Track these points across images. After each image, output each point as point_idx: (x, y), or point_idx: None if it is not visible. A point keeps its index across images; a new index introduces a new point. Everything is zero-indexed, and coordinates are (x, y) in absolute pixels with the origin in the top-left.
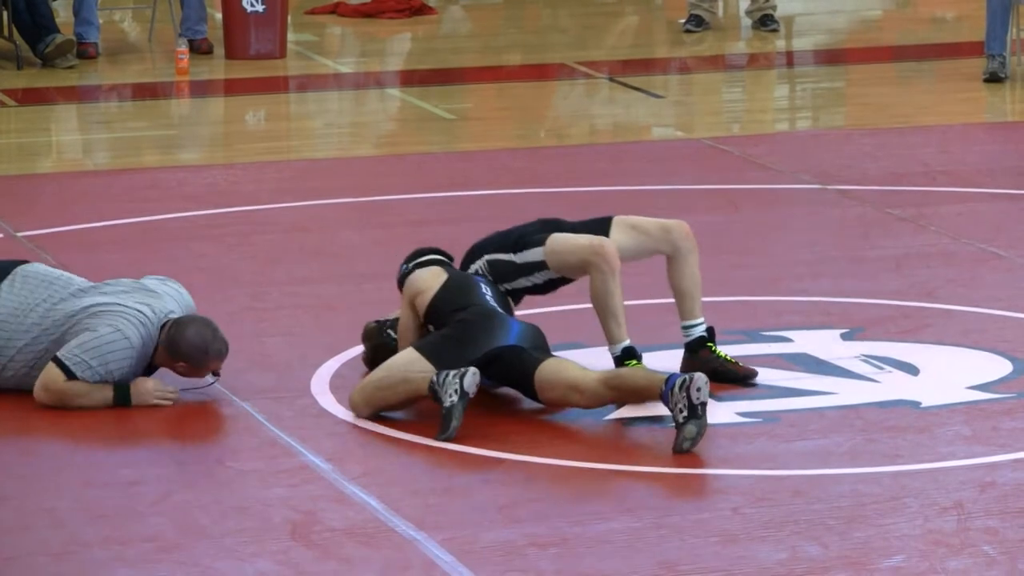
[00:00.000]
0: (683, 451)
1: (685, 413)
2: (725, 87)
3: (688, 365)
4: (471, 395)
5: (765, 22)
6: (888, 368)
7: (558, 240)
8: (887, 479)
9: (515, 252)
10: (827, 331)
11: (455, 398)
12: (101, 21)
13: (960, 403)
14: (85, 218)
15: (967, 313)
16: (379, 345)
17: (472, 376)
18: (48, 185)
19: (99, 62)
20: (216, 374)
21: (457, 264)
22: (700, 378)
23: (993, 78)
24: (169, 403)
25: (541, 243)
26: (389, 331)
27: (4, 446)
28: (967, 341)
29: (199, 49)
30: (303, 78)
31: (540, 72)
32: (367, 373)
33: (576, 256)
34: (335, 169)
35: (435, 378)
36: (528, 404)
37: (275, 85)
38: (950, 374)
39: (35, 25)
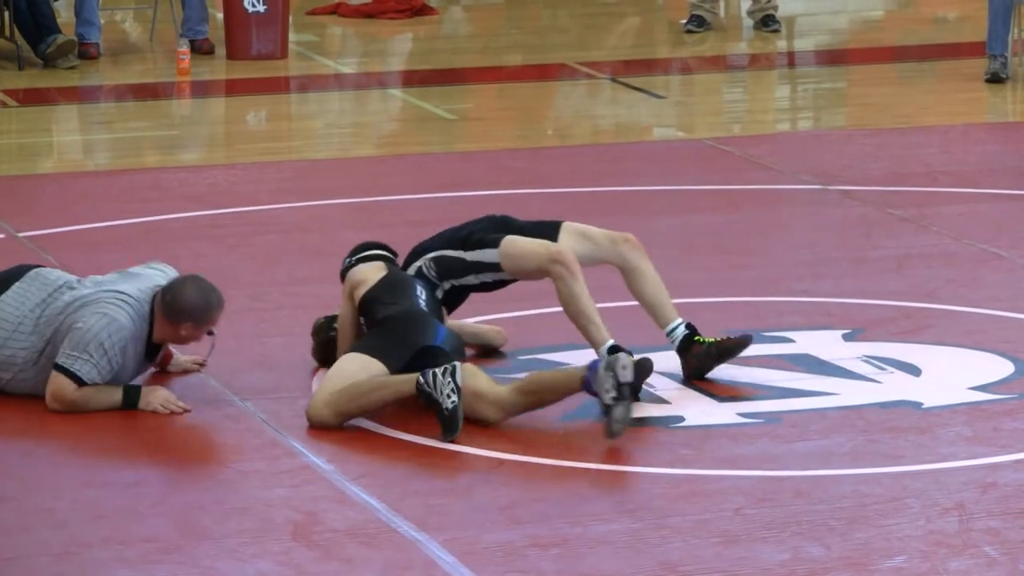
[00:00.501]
0: (614, 435)
1: (613, 394)
2: (726, 87)
3: (688, 365)
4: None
5: (767, 22)
6: (890, 369)
7: (514, 244)
8: (889, 480)
9: (465, 250)
10: (828, 332)
11: (455, 397)
12: (102, 21)
13: (962, 404)
14: (86, 218)
15: (969, 314)
16: (327, 340)
17: (460, 370)
18: (49, 185)
19: (100, 62)
20: (211, 333)
21: (401, 262)
22: (624, 358)
23: (995, 78)
24: (167, 412)
25: (495, 244)
26: (336, 326)
27: (4, 447)
28: (969, 342)
29: (200, 49)
30: (304, 78)
31: (541, 72)
32: (317, 368)
33: (533, 262)
34: (336, 169)
35: (422, 379)
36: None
37: (276, 85)
38: (952, 375)
39: (36, 25)
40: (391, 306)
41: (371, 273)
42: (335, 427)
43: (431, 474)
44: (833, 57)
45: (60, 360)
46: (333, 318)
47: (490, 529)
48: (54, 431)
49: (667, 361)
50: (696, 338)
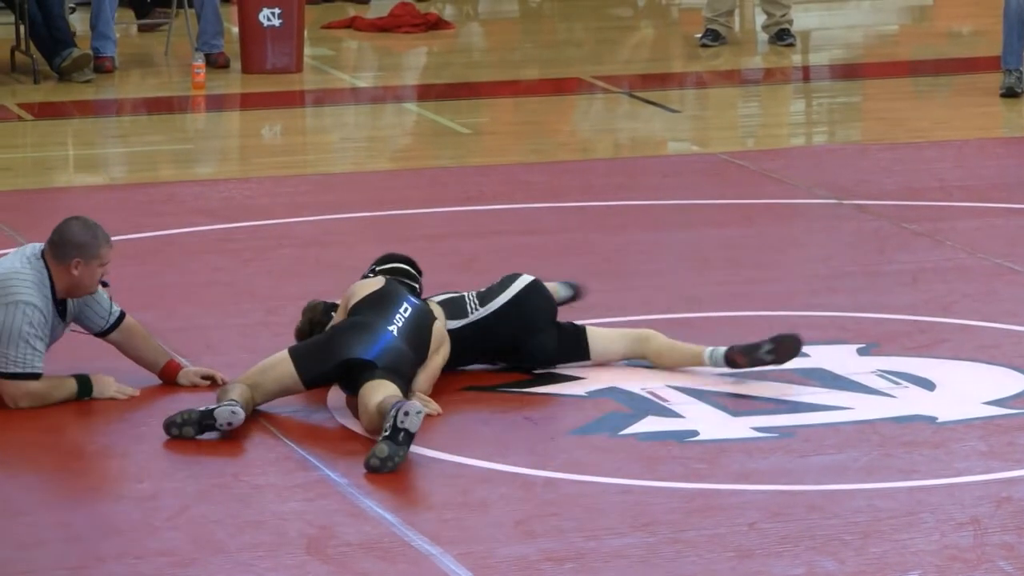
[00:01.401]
0: (368, 466)
1: (387, 433)
2: (741, 101)
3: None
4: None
5: (781, 36)
6: (904, 383)
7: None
8: (903, 494)
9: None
10: (843, 346)
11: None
12: (118, 35)
13: (976, 418)
14: None
15: (983, 328)
16: (316, 323)
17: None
18: (64, 199)
19: (116, 76)
20: (105, 284)
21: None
22: (413, 406)
23: (1010, 93)
24: (125, 397)
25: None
26: (333, 313)
27: (18, 460)
28: (983, 356)
29: (216, 63)
30: (319, 92)
31: (556, 87)
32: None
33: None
34: (351, 183)
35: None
36: (544, 420)
37: (291, 99)
38: (966, 389)
39: (52, 39)
40: (353, 317)
41: (366, 287)
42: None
43: (445, 488)
44: (848, 71)
45: (1, 369)
46: (332, 305)
47: (504, 543)
48: (68, 445)
49: (681, 375)
50: (731, 348)
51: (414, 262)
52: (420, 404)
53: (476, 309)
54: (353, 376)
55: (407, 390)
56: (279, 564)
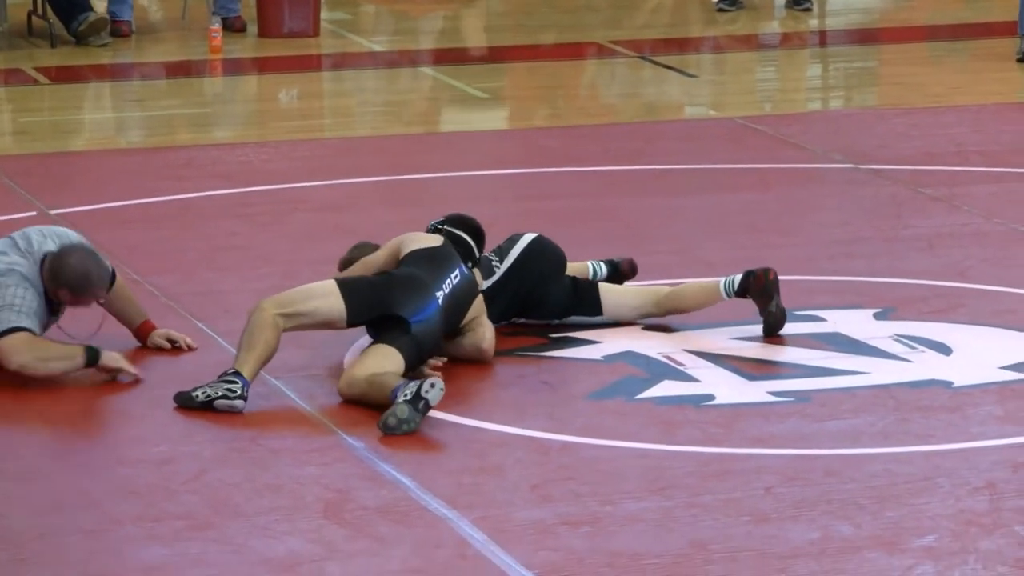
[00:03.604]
0: (386, 426)
1: (407, 397)
2: (758, 66)
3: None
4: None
5: (799, 1)
6: (920, 348)
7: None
8: (919, 459)
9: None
10: (860, 311)
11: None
12: None
13: (992, 383)
14: (118, 196)
15: (1000, 293)
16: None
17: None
18: (81, 163)
19: (132, 40)
20: (100, 303)
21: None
22: (439, 381)
23: None
24: (130, 371)
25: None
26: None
27: (35, 425)
28: (999, 321)
29: (232, 27)
30: (336, 56)
31: (574, 51)
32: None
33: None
34: (368, 148)
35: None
36: (561, 384)
37: (308, 63)
38: (982, 354)
39: (69, 3)
40: (408, 267)
41: (422, 240)
42: (280, 325)
43: (462, 452)
44: (865, 36)
45: None
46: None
47: (521, 507)
48: (85, 410)
49: (697, 340)
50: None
51: (480, 232)
52: (443, 383)
53: (498, 267)
54: (384, 326)
55: (417, 365)
56: (296, 528)
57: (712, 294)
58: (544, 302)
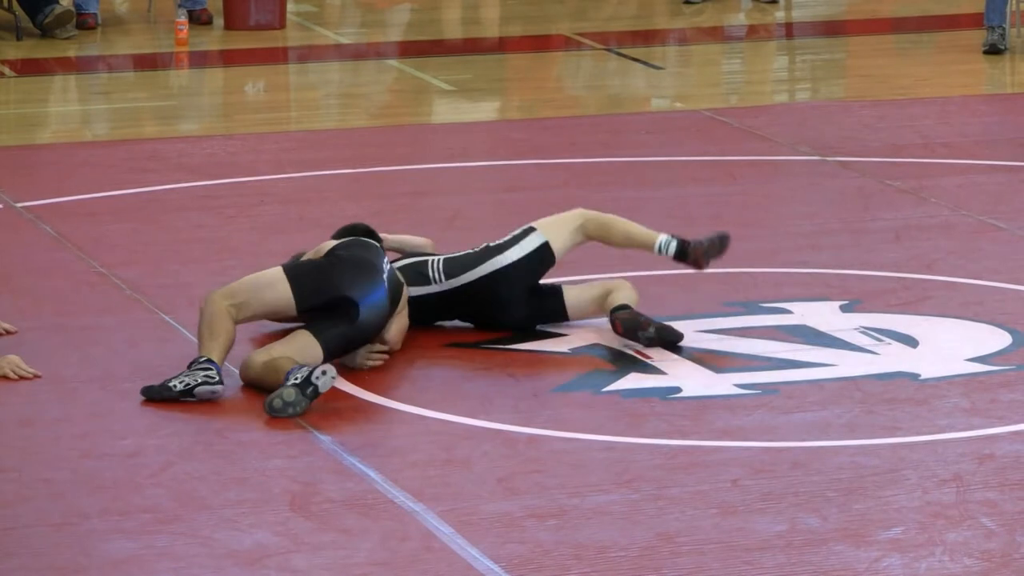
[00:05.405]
0: (271, 407)
1: (297, 381)
2: (724, 58)
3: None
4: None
5: None
6: (887, 340)
7: (547, 224)
8: (886, 451)
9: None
10: (826, 303)
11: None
12: None
13: (959, 375)
14: (84, 189)
15: (966, 285)
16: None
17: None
18: (47, 155)
19: (98, 32)
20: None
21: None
22: (331, 369)
23: (992, 50)
24: (29, 376)
25: (527, 234)
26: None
27: (2, 417)
28: (966, 313)
29: (199, 20)
30: (303, 49)
31: (539, 43)
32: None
33: (569, 227)
34: (334, 140)
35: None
36: (527, 377)
37: (275, 56)
38: (949, 346)
39: None
40: (348, 250)
41: (349, 241)
42: (232, 316)
43: (428, 445)
44: (831, 28)
45: None
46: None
47: (488, 500)
48: (52, 403)
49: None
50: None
51: (374, 232)
52: (335, 371)
53: (440, 280)
54: (332, 313)
55: (353, 350)
56: (262, 520)
57: (644, 245)
58: (500, 323)
